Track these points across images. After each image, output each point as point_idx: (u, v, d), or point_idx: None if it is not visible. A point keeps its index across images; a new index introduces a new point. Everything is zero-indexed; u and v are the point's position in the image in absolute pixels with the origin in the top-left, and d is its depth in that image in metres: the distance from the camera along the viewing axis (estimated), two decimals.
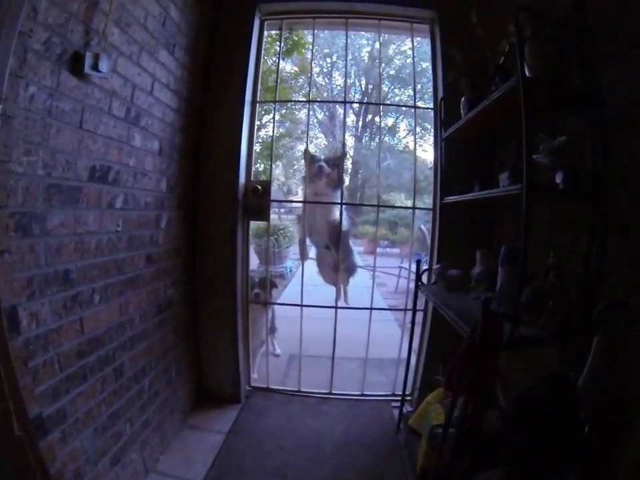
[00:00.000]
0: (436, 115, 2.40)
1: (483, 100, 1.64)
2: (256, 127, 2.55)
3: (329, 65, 14.88)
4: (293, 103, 10.05)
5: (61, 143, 1.23)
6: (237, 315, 2.47)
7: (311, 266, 3.10)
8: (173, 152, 2.02)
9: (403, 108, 12.72)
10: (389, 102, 14.47)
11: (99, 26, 1.34)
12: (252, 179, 2.49)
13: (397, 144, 15.32)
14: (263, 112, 6.44)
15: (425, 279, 2.32)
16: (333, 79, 15.18)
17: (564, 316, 1.34)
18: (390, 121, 15.10)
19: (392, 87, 14.23)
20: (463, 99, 1.94)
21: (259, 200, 2.46)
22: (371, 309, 2.65)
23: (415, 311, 2.27)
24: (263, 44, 2.58)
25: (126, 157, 1.60)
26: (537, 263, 1.49)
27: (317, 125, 15.45)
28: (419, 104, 15.30)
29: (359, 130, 14.58)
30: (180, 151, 2.10)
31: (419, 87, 14.31)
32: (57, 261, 1.25)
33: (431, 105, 2.49)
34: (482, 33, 1.84)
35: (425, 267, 2.31)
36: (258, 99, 2.54)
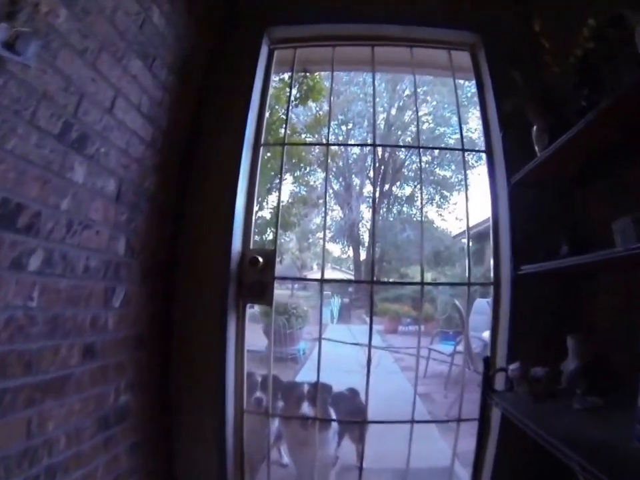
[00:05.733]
0: (490, 158, 2.04)
1: (566, 124, 1.39)
2: (258, 178, 2.12)
3: (344, 133, 15.44)
4: (306, 166, 9.90)
5: None
6: (226, 429, 1.90)
7: (328, 345, 2.60)
8: (139, 200, 1.59)
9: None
10: (405, 169, 14.68)
11: None
12: (251, 246, 2.02)
13: (415, 214, 15.65)
14: (272, 173, 6.18)
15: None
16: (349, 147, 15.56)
17: None
18: (407, 190, 15.28)
19: (409, 154, 14.57)
20: (534, 129, 1.66)
21: (259, 275, 1.94)
22: (413, 421, 2.00)
23: (483, 429, 1.63)
24: (271, 78, 2.25)
25: (55, 194, 1.15)
26: None
27: (332, 196, 15.88)
28: (437, 170, 15.87)
29: (376, 200, 14.73)
30: (151, 200, 1.67)
31: (435, 152, 14.89)
32: None
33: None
34: (548, 45, 1.68)
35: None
36: (262, 142, 2.15)
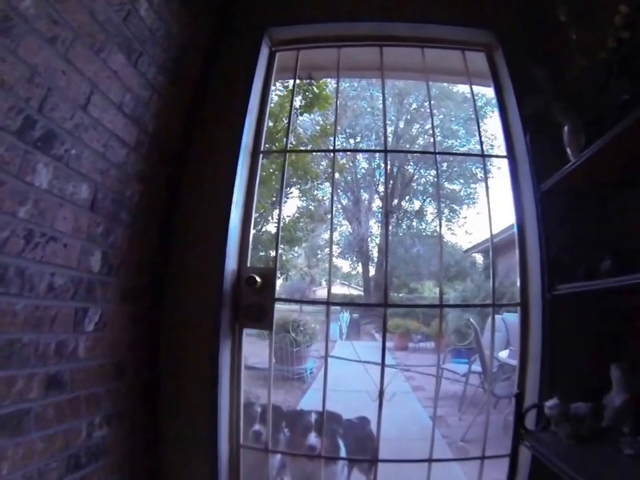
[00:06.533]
0: (512, 164, 1.91)
1: (605, 122, 1.27)
2: (257, 189, 1.98)
3: (352, 147, 15.62)
4: (313, 180, 9.67)
5: None
6: (220, 466, 1.72)
7: (336, 363, 2.44)
8: (119, 210, 1.44)
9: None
10: (414, 184, 14.71)
11: None
12: (248, 264, 1.86)
13: (425, 228, 15.67)
14: (277, 187, 6.09)
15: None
16: (357, 160, 15.83)
17: None
18: (417, 205, 15.55)
19: (417, 168, 14.51)
20: (565, 130, 1.51)
21: (257, 297, 1.78)
22: (430, 460, 1.78)
23: (513, 470, 1.44)
24: (272, 82, 2.13)
25: (11, 199, 1.01)
26: None
27: (340, 210, 16.01)
28: (446, 184, 15.94)
29: (388, 215, 14.77)
30: (134, 211, 1.52)
31: (444, 165, 15.03)
32: None
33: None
34: (576, 36, 1.55)
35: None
36: (262, 149, 2.02)
